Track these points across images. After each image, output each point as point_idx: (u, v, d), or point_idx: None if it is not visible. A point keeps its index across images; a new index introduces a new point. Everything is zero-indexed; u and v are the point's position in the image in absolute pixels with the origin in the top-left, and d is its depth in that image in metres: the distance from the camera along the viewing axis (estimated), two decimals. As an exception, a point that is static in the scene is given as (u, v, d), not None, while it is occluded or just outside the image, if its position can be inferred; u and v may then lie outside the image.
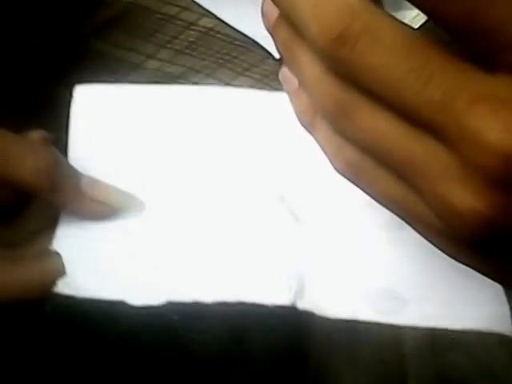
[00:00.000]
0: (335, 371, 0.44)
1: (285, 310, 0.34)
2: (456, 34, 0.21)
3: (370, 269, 0.35)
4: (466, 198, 0.21)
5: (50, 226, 0.37)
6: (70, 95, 0.47)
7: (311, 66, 0.24)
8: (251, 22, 0.46)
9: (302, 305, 0.34)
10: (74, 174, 0.36)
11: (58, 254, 0.35)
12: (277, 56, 0.45)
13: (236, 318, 0.43)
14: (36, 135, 0.37)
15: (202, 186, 0.39)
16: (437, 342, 0.38)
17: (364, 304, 0.34)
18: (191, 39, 0.47)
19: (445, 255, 0.25)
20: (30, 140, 0.36)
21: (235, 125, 0.40)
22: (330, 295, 0.35)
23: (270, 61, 0.46)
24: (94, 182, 0.37)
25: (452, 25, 0.21)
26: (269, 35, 0.27)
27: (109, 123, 0.40)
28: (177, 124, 0.40)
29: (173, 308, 0.38)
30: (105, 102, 0.40)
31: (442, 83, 0.21)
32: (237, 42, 0.47)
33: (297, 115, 0.27)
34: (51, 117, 0.48)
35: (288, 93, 0.27)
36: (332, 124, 0.24)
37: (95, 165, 0.38)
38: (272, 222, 0.37)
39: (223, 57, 0.47)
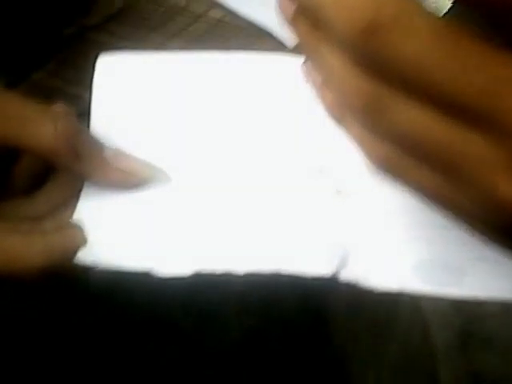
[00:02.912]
0: (360, 365, 0.43)
1: (312, 285, 0.33)
2: (496, 18, 0.20)
3: (420, 239, 0.34)
4: (510, 188, 0.21)
5: (72, 199, 0.36)
6: (79, 89, 0.46)
7: (336, 61, 0.22)
8: (261, 11, 0.45)
9: (345, 276, 0.32)
10: (98, 144, 0.36)
11: (79, 224, 0.35)
12: (289, 45, 0.45)
13: (260, 292, 0.41)
14: (58, 107, 0.36)
15: (236, 156, 0.36)
16: (469, 341, 0.37)
17: (413, 275, 0.32)
18: (200, 31, 0.46)
19: None
20: (49, 107, 0.35)
21: (269, 92, 0.37)
22: (375, 266, 0.33)
23: (283, 50, 0.45)
24: (118, 152, 0.36)
25: (493, 8, 0.20)
26: (280, 23, 0.25)
27: (131, 92, 0.38)
28: (203, 92, 0.38)
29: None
30: (126, 69, 0.38)
31: (481, 69, 0.20)
32: (247, 32, 0.46)
33: (326, 110, 0.25)
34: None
35: (312, 88, 0.26)
36: (363, 120, 0.23)
37: (118, 136, 0.37)
38: (313, 194, 0.35)
39: (233, 47, 0.46)
